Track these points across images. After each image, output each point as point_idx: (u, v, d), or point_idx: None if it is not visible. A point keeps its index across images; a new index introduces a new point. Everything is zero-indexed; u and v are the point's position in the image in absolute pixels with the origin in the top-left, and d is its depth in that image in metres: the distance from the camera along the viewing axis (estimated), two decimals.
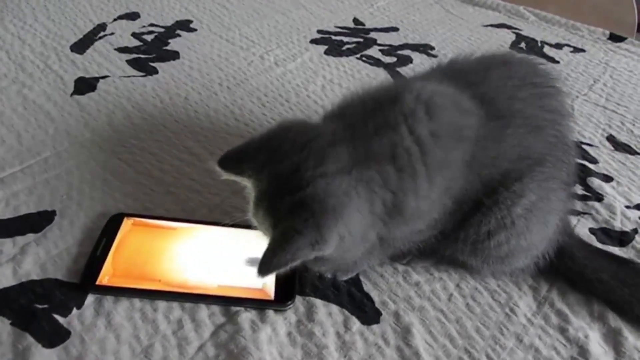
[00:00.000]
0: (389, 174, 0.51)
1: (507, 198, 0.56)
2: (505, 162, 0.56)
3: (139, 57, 1.04)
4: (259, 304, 0.58)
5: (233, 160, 0.55)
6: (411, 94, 0.54)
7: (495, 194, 0.57)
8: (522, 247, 0.60)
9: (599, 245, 0.70)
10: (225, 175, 0.55)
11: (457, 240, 0.60)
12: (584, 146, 0.90)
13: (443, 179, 0.53)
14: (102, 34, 1.12)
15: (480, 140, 0.54)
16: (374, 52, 1.16)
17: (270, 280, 0.60)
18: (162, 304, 0.58)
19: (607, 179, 0.83)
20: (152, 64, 1.02)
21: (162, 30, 1.16)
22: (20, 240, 0.64)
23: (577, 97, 1.05)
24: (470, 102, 0.56)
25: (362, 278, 0.63)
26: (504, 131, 0.56)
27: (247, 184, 0.54)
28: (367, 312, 0.59)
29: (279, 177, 0.51)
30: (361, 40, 1.21)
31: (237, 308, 0.58)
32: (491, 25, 1.35)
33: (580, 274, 0.63)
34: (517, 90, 0.58)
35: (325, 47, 1.16)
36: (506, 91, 0.57)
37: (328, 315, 0.59)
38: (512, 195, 0.56)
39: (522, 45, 1.25)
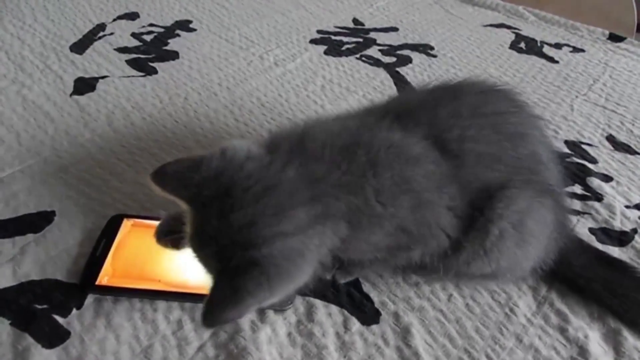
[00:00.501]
0: (341, 228, 0.52)
1: (477, 237, 0.56)
2: (465, 197, 0.56)
3: (139, 57, 1.04)
4: None
5: (172, 179, 0.51)
6: (362, 151, 0.53)
7: (468, 230, 0.57)
8: (504, 268, 0.60)
9: (599, 246, 0.70)
10: (158, 192, 0.52)
11: (441, 267, 0.60)
12: (583, 146, 0.90)
13: (381, 229, 0.54)
14: (101, 34, 1.12)
15: (438, 180, 0.55)
16: (373, 52, 1.16)
17: None
18: (161, 304, 0.58)
19: (607, 178, 0.83)
20: (151, 64, 1.02)
21: (161, 30, 1.16)
22: (20, 240, 0.64)
23: (577, 97, 1.05)
24: (420, 146, 0.55)
25: (361, 279, 0.63)
26: (459, 171, 0.55)
27: (182, 205, 0.52)
28: (367, 313, 0.59)
29: (231, 226, 0.48)
30: (361, 40, 1.21)
31: None
32: (491, 25, 1.35)
33: (575, 282, 0.64)
34: (467, 129, 0.56)
35: (325, 47, 1.16)
36: (455, 131, 0.56)
37: (328, 316, 0.59)
38: (479, 234, 0.56)
39: (522, 45, 1.25)
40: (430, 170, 0.54)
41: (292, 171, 0.51)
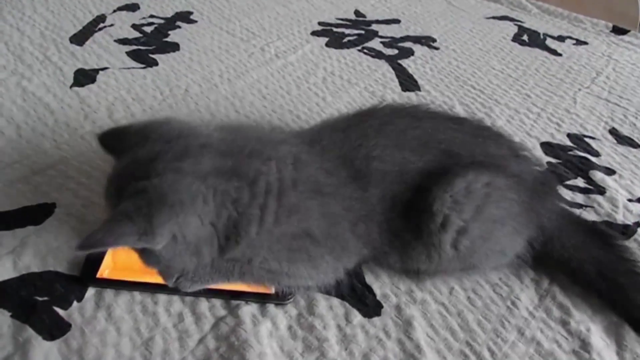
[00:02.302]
0: (244, 195, 0.51)
1: (425, 235, 0.58)
2: (382, 212, 0.57)
3: (139, 49, 1.04)
4: (259, 298, 0.58)
5: (110, 137, 0.56)
6: (287, 146, 0.56)
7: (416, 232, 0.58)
8: (465, 266, 0.61)
9: None
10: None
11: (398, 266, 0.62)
12: (586, 139, 0.90)
13: (290, 222, 0.54)
14: (101, 25, 1.11)
15: (346, 198, 0.56)
16: (375, 44, 1.15)
17: None
18: (162, 297, 0.58)
19: (610, 172, 0.82)
20: (152, 56, 1.02)
21: (162, 21, 1.15)
22: (20, 232, 0.63)
23: (580, 89, 1.04)
24: (333, 163, 0.57)
25: (364, 269, 0.63)
26: (368, 190, 0.57)
27: None
28: (368, 305, 0.59)
29: (136, 161, 0.51)
30: (362, 32, 1.20)
31: (238, 301, 0.58)
32: (493, 18, 1.34)
33: (566, 264, 0.63)
34: (372, 150, 0.58)
35: (327, 39, 1.15)
36: (361, 152, 0.58)
37: (329, 309, 0.58)
38: (425, 231, 0.57)
39: (525, 37, 1.24)
40: (337, 185, 0.56)
41: (216, 133, 0.54)
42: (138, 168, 0.50)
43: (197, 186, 0.49)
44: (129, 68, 0.97)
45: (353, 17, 1.28)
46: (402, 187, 0.58)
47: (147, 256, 0.51)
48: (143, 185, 0.48)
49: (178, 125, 0.54)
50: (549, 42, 1.23)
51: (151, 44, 1.06)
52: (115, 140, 0.55)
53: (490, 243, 0.59)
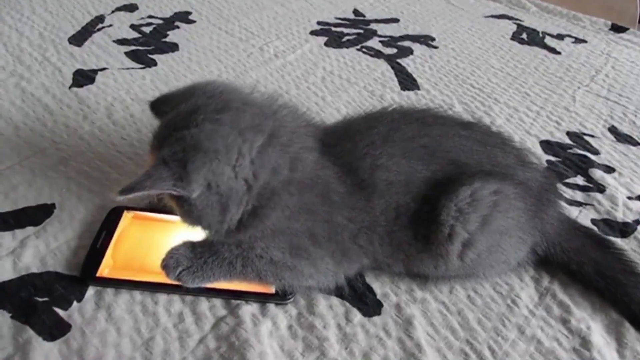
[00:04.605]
0: (284, 170, 0.53)
1: (435, 244, 0.58)
2: (385, 224, 0.57)
3: (138, 49, 1.04)
4: (259, 297, 0.58)
5: (160, 103, 0.59)
6: (321, 143, 0.58)
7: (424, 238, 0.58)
8: (469, 274, 0.61)
9: None
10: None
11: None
12: (585, 137, 0.90)
13: (300, 219, 0.55)
14: (100, 25, 1.11)
15: (348, 209, 0.56)
16: (374, 43, 1.15)
17: None
18: (162, 297, 0.58)
19: (609, 170, 0.82)
20: (150, 56, 1.02)
21: (160, 22, 1.15)
22: (20, 233, 0.63)
23: (579, 88, 1.04)
24: (342, 170, 0.57)
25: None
26: (372, 200, 0.57)
27: None
28: (369, 304, 0.59)
29: (178, 114, 0.53)
30: (361, 31, 1.20)
31: (238, 301, 0.58)
32: (492, 16, 1.34)
33: (566, 266, 0.63)
34: (378, 158, 0.58)
35: (325, 38, 1.15)
36: (366, 160, 0.58)
37: (329, 308, 0.58)
38: (436, 240, 0.57)
39: (524, 36, 1.24)
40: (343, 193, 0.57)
41: (259, 95, 0.57)
42: (179, 120, 0.52)
43: (234, 137, 0.51)
44: (127, 68, 0.97)
45: (352, 16, 1.28)
46: (408, 198, 0.57)
47: (184, 209, 0.53)
48: (181, 134, 0.50)
49: (222, 84, 0.57)
50: (548, 40, 1.23)
51: (150, 45, 1.06)
52: (163, 104, 0.58)
53: (497, 255, 0.60)
